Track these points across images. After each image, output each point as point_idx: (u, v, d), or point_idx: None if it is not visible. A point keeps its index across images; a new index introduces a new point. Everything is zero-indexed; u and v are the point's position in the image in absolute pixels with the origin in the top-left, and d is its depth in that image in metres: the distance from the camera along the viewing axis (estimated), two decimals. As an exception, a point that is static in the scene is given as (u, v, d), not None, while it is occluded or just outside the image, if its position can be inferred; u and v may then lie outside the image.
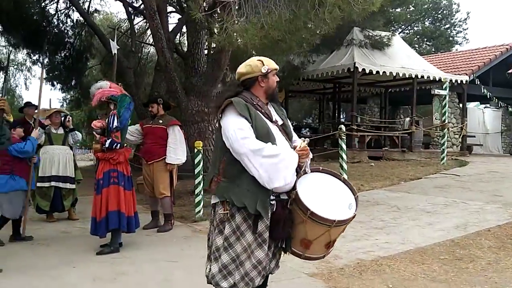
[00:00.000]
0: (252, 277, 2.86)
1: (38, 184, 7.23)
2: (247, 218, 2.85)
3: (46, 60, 19.04)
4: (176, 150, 6.83)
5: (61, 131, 7.61)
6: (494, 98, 18.72)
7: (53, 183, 7.37)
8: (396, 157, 14.79)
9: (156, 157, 6.80)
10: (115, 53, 8.00)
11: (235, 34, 6.39)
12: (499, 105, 21.01)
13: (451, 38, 35.96)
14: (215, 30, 7.39)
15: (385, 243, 5.61)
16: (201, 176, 7.62)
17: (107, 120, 5.57)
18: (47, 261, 5.30)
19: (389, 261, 4.99)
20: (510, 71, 18.68)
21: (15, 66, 23.97)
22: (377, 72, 14.12)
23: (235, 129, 2.81)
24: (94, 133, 5.68)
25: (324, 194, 2.94)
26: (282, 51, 8.67)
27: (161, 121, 6.91)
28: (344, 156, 9.09)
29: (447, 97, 13.20)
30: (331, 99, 20.71)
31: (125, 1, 16.72)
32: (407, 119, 17.43)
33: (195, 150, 7.65)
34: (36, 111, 6.90)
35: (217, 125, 3.10)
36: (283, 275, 4.28)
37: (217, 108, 3.03)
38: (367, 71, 13.94)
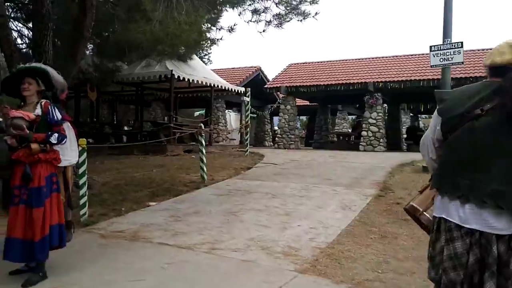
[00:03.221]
0: None
1: None
2: None
3: None
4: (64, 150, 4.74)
5: None
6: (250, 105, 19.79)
7: None
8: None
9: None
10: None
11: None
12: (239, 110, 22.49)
13: (203, 60, 37.33)
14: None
15: (312, 229, 4.90)
16: (85, 176, 5.60)
17: (39, 111, 3.32)
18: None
19: (340, 246, 4.30)
20: (265, 86, 19.94)
21: None
22: (188, 79, 13.19)
23: None
24: (18, 131, 3.26)
25: None
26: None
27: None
28: (204, 150, 8.02)
29: (249, 103, 13.18)
30: (135, 102, 18.51)
31: None
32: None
33: (80, 148, 5.52)
34: None
35: None
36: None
37: None
38: (181, 78, 12.92)
